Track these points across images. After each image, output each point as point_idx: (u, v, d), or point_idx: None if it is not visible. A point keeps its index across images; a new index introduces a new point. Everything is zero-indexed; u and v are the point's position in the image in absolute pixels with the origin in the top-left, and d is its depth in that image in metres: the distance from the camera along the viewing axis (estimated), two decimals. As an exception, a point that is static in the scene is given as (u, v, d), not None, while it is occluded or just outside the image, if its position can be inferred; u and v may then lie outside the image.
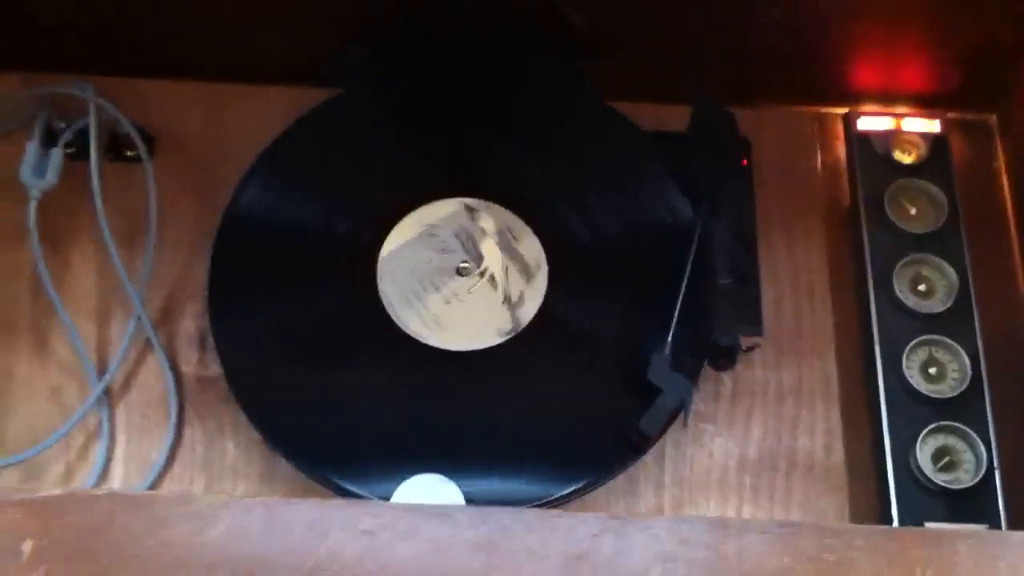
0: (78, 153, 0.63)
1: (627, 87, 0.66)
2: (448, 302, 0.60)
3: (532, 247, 0.61)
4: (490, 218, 0.62)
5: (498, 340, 0.59)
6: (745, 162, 0.66)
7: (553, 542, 0.39)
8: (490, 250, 0.61)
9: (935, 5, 0.63)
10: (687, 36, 0.65)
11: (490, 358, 0.59)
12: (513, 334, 0.59)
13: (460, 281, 0.61)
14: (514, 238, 0.61)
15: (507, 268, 0.61)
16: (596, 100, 0.65)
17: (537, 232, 0.62)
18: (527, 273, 0.60)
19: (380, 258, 0.61)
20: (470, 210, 0.62)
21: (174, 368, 0.60)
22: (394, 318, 0.59)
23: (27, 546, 0.39)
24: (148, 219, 0.62)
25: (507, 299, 0.60)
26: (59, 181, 0.61)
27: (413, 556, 0.39)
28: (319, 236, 0.62)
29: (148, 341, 0.60)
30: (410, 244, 0.61)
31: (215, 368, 0.59)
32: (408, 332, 0.59)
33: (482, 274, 0.61)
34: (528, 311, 0.60)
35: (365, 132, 0.65)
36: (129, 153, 0.65)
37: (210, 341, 0.59)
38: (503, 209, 0.62)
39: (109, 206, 0.61)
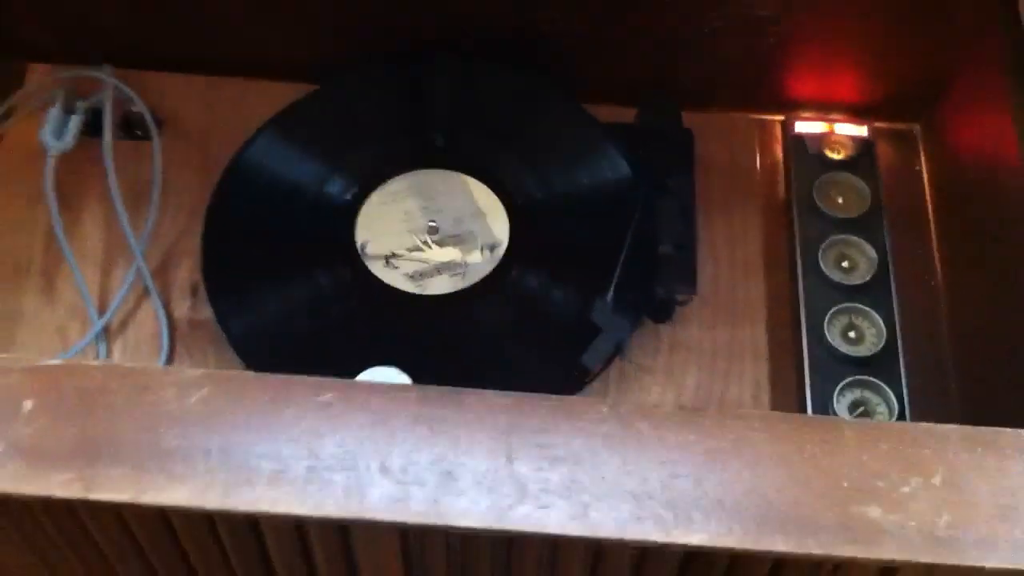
0: (93, 130, 0.70)
1: (591, 90, 0.73)
2: (397, 204, 0.67)
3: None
4: (485, 253, 0.66)
5: (394, 249, 0.66)
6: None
7: (489, 417, 0.46)
8: (450, 253, 0.66)
9: (869, 30, 0.71)
10: (657, 46, 0.73)
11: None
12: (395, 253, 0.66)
13: (418, 229, 0.67)
14: (465, 263, 0.66)
15: (437, 263, 0.66)
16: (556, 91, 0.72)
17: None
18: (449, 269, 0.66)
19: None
20: (492, 247, 0.67)
21: (168, 312, 0.66)
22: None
23: (27, 404, 0.45)
24: (154, 183, 0.69)
25: (410, 250, 0.66)
26: (74, 150, 0.68)
27: (365, 424, 0.45)
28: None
29: (146, 290, 0.67)
30: (442, 176, 0.69)
31: (206, 313, 0.65)
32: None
33: (424, 243, 0.67)
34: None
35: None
36: (139, 133, 0.72)
37: (202, 292, 0.66)
38: (504, 253, 0.67)
39: (119, 176, 0.67)
